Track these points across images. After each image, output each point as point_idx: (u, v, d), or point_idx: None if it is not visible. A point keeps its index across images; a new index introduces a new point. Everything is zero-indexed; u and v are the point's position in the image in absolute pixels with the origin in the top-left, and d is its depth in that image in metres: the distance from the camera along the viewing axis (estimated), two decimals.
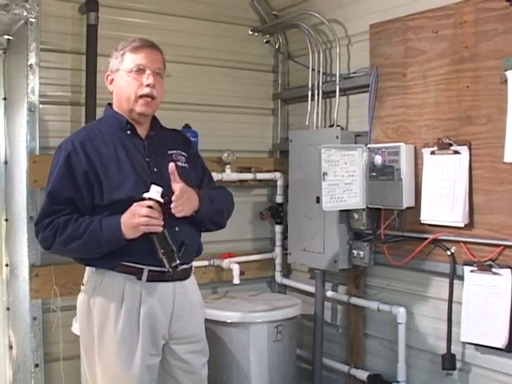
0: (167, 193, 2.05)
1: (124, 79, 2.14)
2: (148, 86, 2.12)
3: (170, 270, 2.05)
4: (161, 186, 2.04)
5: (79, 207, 2.08)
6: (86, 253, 2.08)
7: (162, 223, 2.02)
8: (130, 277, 2.09)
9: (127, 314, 2.08)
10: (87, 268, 2.18)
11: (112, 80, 2.20)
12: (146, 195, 2.03)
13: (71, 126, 3.03)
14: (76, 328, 2.73)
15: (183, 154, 2.28)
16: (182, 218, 2.12)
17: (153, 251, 2.04)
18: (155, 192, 2.03)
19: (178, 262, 2.06)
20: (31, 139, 2.89)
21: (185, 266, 2.17)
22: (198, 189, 2.22)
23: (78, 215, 2.06)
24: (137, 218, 1.99)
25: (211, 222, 2.27)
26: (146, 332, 2.10)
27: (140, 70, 2.12)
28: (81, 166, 2.06)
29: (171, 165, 2.08)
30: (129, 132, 2.17)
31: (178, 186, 2.06)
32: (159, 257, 2.04)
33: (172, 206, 2.04)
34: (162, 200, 2.03)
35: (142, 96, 2.12)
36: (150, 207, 2.00)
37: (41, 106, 2.93)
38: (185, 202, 2.08)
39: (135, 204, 2.01)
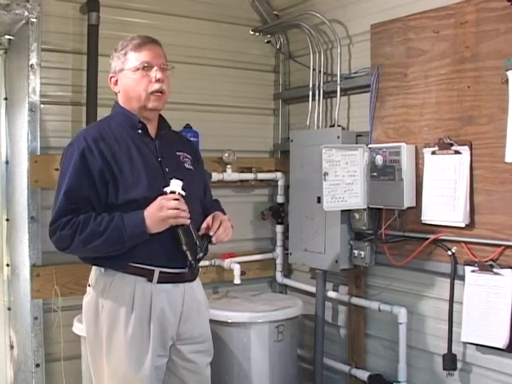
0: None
1: (131, 78, 2.13)
2: (158, 81, 2.12)
3: (193, 262, 2.06)
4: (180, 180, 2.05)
5: (94, 206, 2.05)
6: (106, 250, 2.04)
7: (189, 215, 2.03)
8: (140, 278, 2.08)
9: (138, 316, 2.06)
10: (94, 268, 2.15)
11: (116, 81, 2.19)
12: (167, 189, 2.03)
13: (72, 126, 3.04)
14: (77, 328, 2.73)
15: (189, 156, 2.29)
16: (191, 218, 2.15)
17: (177, 244, 2.04)
18: (176, 185, 2.03)
19: (200, 255, 2.06)
20: (32, 139, 2.89)
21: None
22: (202, 197, 2.29)
23: (97, 213, 2.03)
24: (165, 211, 1.98)
25: None
26: (156, 334, 2.09)
27: (146, 68, 2.12)
28: (96, 164, 2.04)
29: (208, 220, 2.15)
30: (140, 131, 2.17)
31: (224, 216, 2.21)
32: (183, 249, 2.04)
33: (223, 232, 2.15)
34: (183, 193, 2.03)
35: (152, 92, 2.12)
36: (176, 199, 2.00)
37: (42, 105, 2.93)
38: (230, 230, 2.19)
39: (160, 198, 2.01)
